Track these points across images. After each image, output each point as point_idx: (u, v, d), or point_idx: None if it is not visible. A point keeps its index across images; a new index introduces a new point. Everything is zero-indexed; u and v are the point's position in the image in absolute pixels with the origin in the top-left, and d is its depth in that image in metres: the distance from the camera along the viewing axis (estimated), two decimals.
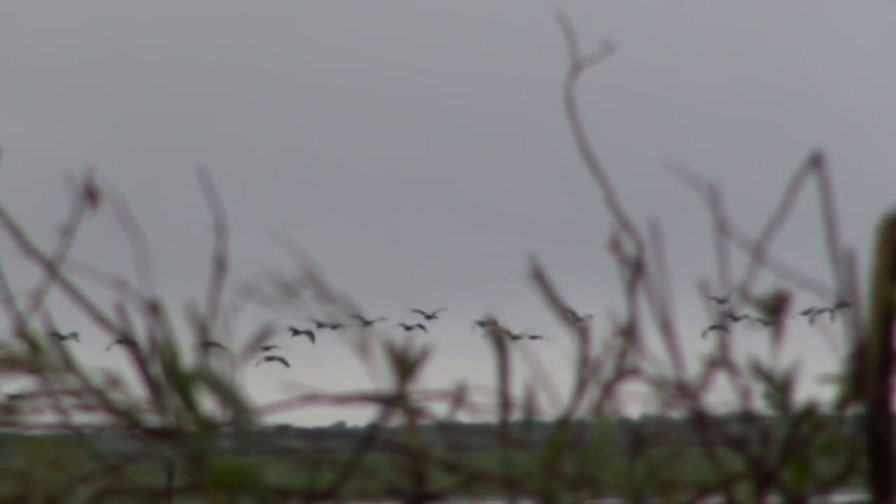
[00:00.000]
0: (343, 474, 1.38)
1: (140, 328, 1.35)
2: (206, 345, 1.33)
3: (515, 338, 1.42)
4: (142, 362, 1.35)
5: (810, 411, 1.39)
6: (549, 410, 1.38)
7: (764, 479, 1.38)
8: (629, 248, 1.37)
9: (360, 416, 1.38)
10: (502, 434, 1.38)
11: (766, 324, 1.39)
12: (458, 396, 1.39)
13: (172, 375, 1.33)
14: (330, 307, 1.32)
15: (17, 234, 1.36)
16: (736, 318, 1.45)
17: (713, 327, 1.35)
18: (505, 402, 1.39)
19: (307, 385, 1.34)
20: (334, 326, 1.40)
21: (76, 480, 1.35)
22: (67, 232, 1.38)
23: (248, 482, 1.31)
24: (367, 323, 1.33)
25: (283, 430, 1.40)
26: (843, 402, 1.39)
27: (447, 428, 1.39)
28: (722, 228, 1.36)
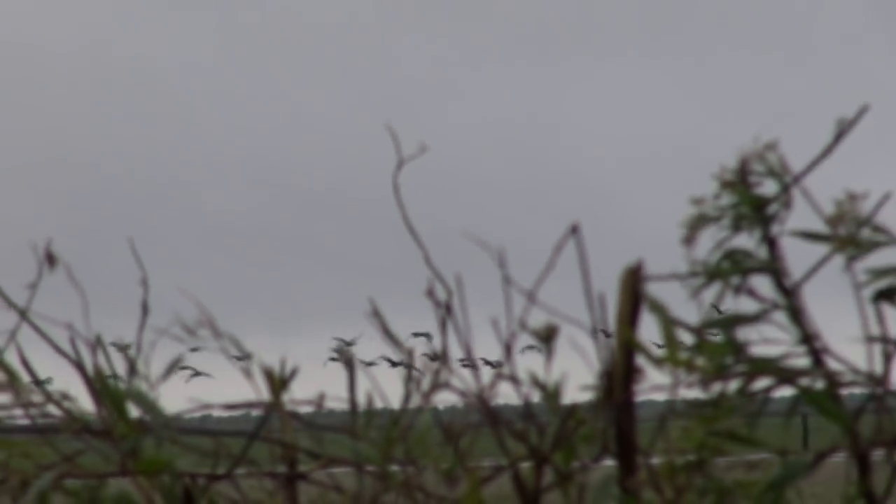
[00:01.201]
0: (235, 462, 1.90)
1: (86, 357, 1.86)
2: (133, 370, 1.85)
3: (362, 362, 1.94)
4: (88, 382, 1.87)
5: (573, 411, 1.91)
6: (383, 412, 1.90)
7: (540, 461, 1.90)
8: (441, 294, 1.88)
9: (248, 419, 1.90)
10: (351, 429, 1.90)
11: (541, 348, 1.90)
12: (319, 402, 1.91)
13: (108, 392, 1.84)
14: (220, 341, 1.84)
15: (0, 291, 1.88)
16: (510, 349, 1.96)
17: (494, 362, 1.86)
18: (353, 406, 1.91)
19: (205, 397, 1.86)
20: (238, 357, 1.92)
21: (42, 468, 1.87)
22: (33, 286, 1.89)
23: (164, 469, 1.83)
24: (247, 355, 1.84)
25: (189, 429, 1.91)
26: (597, 405, 1.91)
27: (310, 425, 1.91)
28: (506, 280, 1.88)
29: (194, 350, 1.86)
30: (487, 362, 1.91)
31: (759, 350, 1.88)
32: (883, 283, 1.84)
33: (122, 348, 1.85)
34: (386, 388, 1.89)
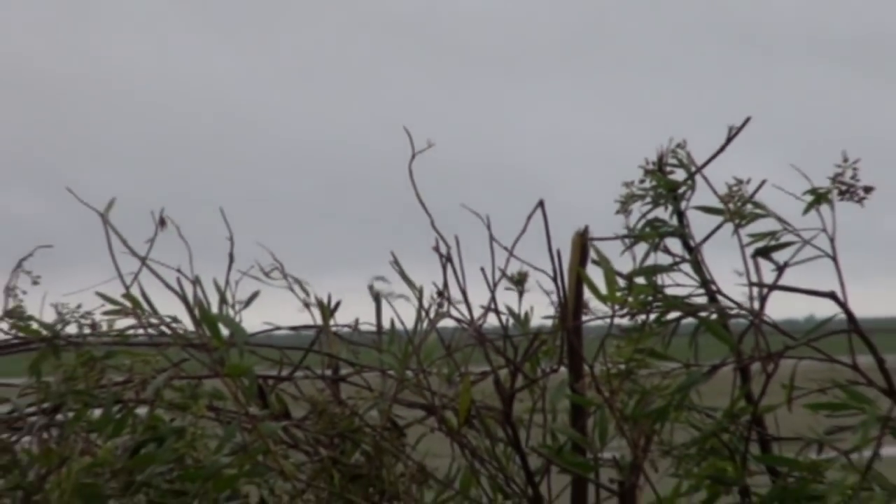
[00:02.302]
0: (295, 368, 2.65)
1: (189, 292, 2.60)
2: (223, 301, 2.59)
3: (389, 295, 2.68)
4: (190, 310, 2.61)
5: (538, 334, 2.66)
6: (401, 333, 2.64)
7: (514, 370, 2.64)
8: (443, 250, 2.62)
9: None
10: (377, 345, 2.65)
11: (515, 289, 2.64)
12: (355, 325, 2.66)
13: (205, 317, 2.59)
14: (286, 280, 2.59)
15: (124, 241, 2.61)
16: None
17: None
18: (379, 329, 2.66)
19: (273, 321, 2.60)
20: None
21: (157, 371, 2.61)
22: (150, 241, 2.63)
23: (244, 372, 2.58)
24: (305, 291, 2.59)
25: (262, 343, 2.65)
26: (555, 329, 2.65)
27: (348, 342, 2.66)
28: (491, 239, 2.61)
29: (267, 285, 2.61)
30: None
31: (671, 291, 2.62)
32: (760, 244, 2.58)
33: (216, 285, 2.59)
34: (403, 316, 2.64)
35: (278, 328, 2.66)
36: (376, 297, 2.65)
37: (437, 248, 2.61)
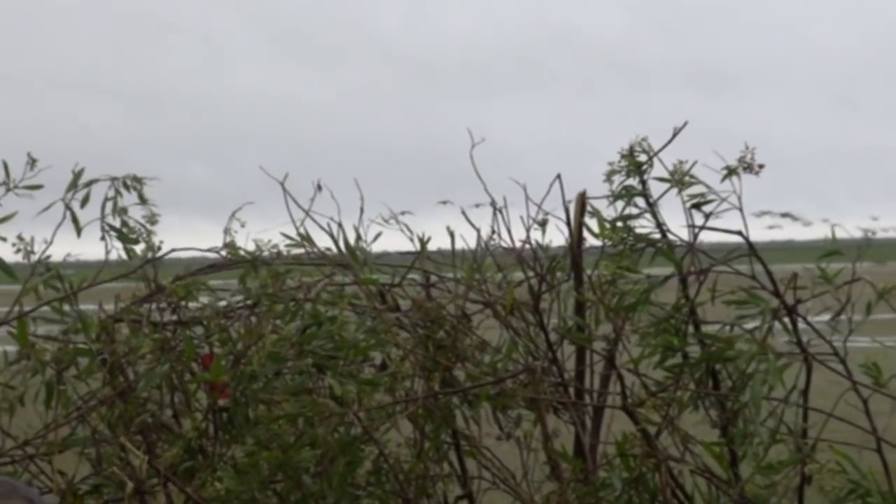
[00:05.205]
0: (402, 278, 4.23)
1: (336, 232, 4.18)
2: (358, 237, 4.17)
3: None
4: (336, 243, 4.18)
5: (555, 256, 4.21)
6: (467, 253, 4.20)
7: (541, 278, 4.20)
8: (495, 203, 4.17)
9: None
10: (453, 263, 4.22)
11: (541, 229, 4.19)
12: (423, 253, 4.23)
13: (347, 246, 4.16)
14: (398, 222, 4.16)
15: (295, 200, 4.18)
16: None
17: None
18: (453, 251, 4.23)
19: (386, 247, 4.19)
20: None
21: (314, 281, 4.18)
22: (311, 199, 4.19)
23: (373, 282, 4.15)
24: (409, 228, 4.16)
25: (381, 262, 4.23)
26: (565, 253, 4.20)
27: (435, 262, 4.24)
28: (526, 199, 4.16)
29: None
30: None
31: (639, 230, 4.16)
32: (694, 201, 4.10)
33: (355, 228, 4.15)
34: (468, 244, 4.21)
35: (390, 253, 4.24)
36: (451, 234, 4.21)
37: (492, 203, 4.16)
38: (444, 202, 4.42)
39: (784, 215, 4.59)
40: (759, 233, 4.14)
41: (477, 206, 4.22)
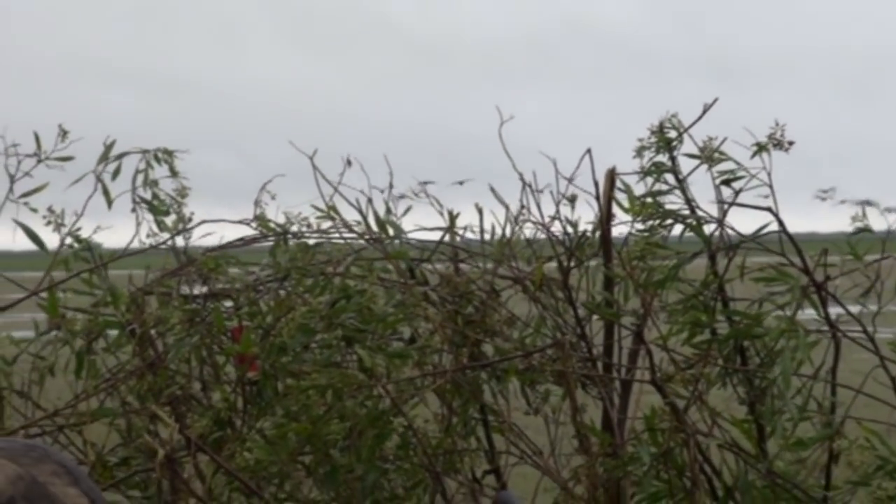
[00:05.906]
0: (431, 253, 4.24)
1: (366, 206, 4.19)
2: (388, 211, 4.17)
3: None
4: (363, 217, 4.19)
5: (584, 232, 4.21)
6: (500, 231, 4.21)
7: (570, 254, 4.20)
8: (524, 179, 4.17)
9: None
10: (483, 240, 4.22)
11: (571, 205, 4.20)
12: (451, 228, 4.23)
13: (378, 220, 4.17)
14: (427, 198, 4.17)
15: (324, 176, 4.19)
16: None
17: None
18: (482, 230, 4.23)
19: (414, 224, 4.20)
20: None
21: (343, 255, 4.19)
22: (341, 174, 4.20)
23: (403, 257, 4.16)
24: (443, 206, 4.16)
25: (410, 239, 4.23)
26: (595, 228, 4.20)
27: (465, 240, 4.25)
28: (556, 174, 4.16)
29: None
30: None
31: (668, 206, 4.15)
32: (724, 178, 4.10)
33: (385, 202, 4.16)
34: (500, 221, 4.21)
35: (422, 229, 4.24)
36: (479, 211, 4.21)
37: (521, 179, 4.16)
38: (462, 182, 4.41)
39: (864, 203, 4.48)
40: (792, 213, 4.13)
41: (492, 190, 4.23)
